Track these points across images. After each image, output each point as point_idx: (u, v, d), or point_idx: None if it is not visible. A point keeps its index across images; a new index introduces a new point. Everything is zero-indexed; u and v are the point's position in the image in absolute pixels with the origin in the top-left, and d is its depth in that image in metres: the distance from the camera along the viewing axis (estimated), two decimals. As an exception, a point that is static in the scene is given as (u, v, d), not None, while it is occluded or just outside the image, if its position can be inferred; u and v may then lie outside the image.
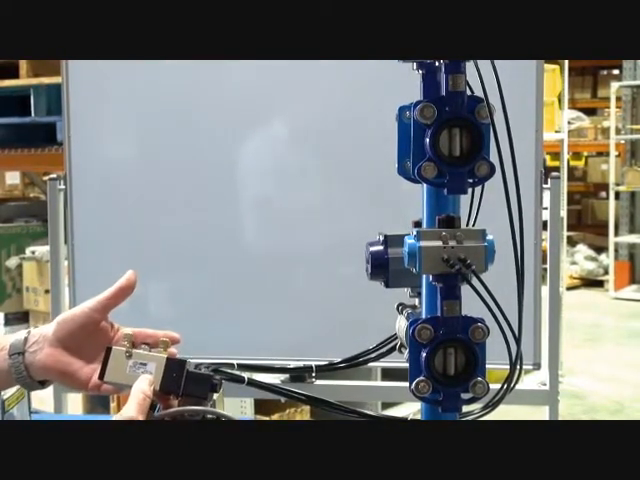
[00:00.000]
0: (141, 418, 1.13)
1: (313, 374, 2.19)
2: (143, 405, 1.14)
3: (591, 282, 8.99)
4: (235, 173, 2.36)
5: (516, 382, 1.19)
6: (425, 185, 1.16)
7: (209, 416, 1.20)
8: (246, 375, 1.79)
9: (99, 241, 2.38)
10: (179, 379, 1.21)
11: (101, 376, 1.23)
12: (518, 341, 1.14)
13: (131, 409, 1.13)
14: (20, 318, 5.10)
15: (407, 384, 1.13)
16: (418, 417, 1.26)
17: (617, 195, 8.61)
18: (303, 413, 3.70)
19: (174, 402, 1.22)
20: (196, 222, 2.35)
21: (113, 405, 3.74)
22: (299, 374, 2.20)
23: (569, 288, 7.87)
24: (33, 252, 5.60)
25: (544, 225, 2.26)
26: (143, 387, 1.17)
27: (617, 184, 8.51)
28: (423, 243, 1.10)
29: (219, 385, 1.24)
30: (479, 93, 1.11)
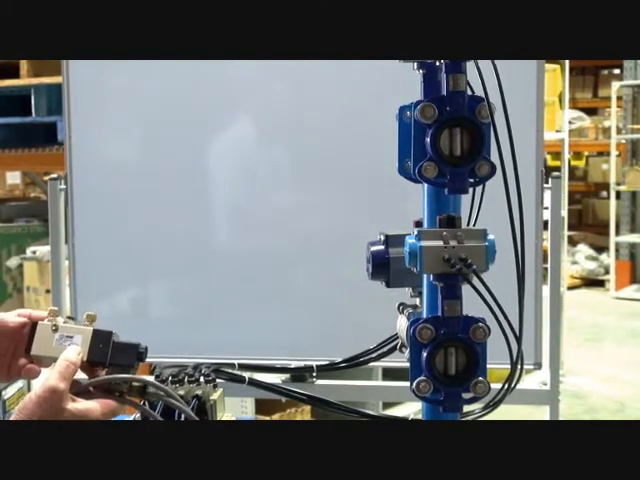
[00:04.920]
0: (63, 386, 1.12)
1: (314, 374, 2.19)
2: (66, 373, 1.15)
3: (592, 282, 8.98)
4: (235, 172, 2.36)
5: (517, 382, 1.19)
6: (426, 185, 1.16)
7: (135, 384, 1.21)
8: (247, 375, 1.79)
9: (100, 241, 2.38)
10: (106, 349, 1.22)
11: (27, 350, 1.24)
12: (519, 341, 1.14)
13: (52, 377, 1.13)
14: (21, 318, 5.08)
15: (408, 384, 1.14)
16: (419, 417, 1.26)
17: (618, 195, 8.60)
18: (304, 413, 3.70)
19: (101, 373, 1.23)
20: (197, 222, 2.35)
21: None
22: (300, 374, 2.20)
23: (570, 288, 7.86)
24: (34, 252, 5.60)
25: (545, 225, 2.26)
26: (69, 356, 1.18)
27: (618, 184, 8.51)
28: (424, 243, 1.10)
29: (145, 354, 1.25)
30: (480, 93, 1.11)
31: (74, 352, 1.19)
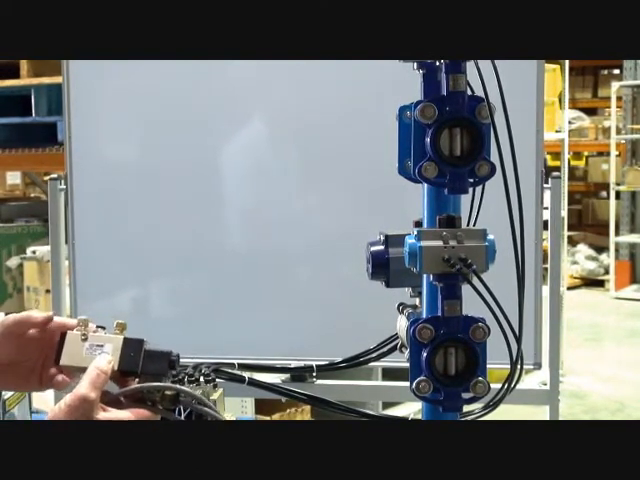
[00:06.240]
0: (93, 395, 1.10)
1: (314, 374, 2.19)
2: (97, 381, 1.12)
3: (592, 282, 8.99)
4: (235, 172, 2.36)
5: (517, 382, 1.19)
6: (426, 185, 1.16)
7: (168, 392, 1.18)
8: (247, 375, 1.79)
9: (99, 241, 2.38)
10: (137, 358, 1.19)
11: (57, 360, 1.21)
12: (519, 341, 1.14)
13: (83, 386, 1.11)
14: (21, 318, 5.08)
15: (408, 384, 1.14)
16: (419, 417, 1.26)
17: (618, 195, 8.61)
18: (304, 413, 3.70)
19: (132, 382, 1.20)
20: (197, 221, 2.35)
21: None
22: (300, 374, 2.20)
23: (570, 288, 7.87)
24: (34, 252, 5.60)
25: (545, 225, 2.26)
26: (99, 364, 1.15)
27: (618, 184, 8.52)
28: (424, 243, 1.11)
29: (177, 361, 1.22)
30: (480, 93, 1.11)
31: (105, 361, 1.17)
